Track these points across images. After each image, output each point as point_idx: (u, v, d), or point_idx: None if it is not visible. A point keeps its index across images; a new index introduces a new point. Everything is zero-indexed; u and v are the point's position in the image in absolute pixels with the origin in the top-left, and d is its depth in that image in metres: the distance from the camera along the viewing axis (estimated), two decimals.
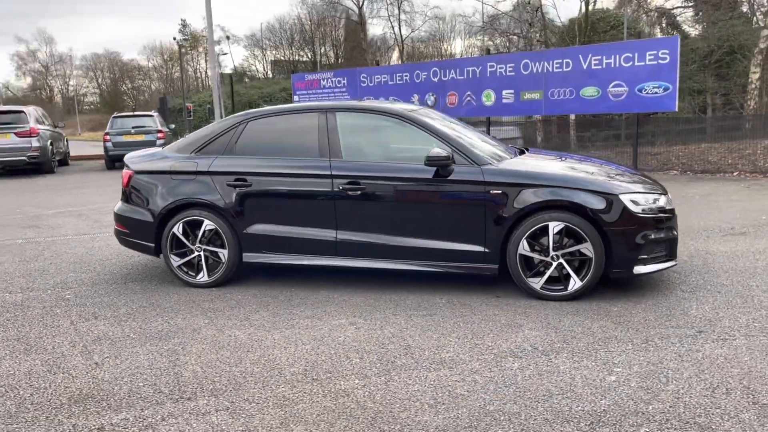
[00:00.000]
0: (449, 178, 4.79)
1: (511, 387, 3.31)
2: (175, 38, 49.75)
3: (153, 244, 5.41)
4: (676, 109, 11.85)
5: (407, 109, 5.21)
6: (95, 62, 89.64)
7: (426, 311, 4.57)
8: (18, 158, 16.04)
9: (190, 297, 5.08)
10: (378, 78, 15.87)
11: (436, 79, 14.72)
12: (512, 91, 13.54)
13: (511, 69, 13.48)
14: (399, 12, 42.84)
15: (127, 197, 5.55)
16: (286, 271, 5.57)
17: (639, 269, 4.65)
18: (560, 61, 12.86)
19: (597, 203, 4.58)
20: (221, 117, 19.62)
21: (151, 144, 16.94)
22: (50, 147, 17.03)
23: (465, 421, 2.98)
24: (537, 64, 13.13)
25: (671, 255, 4.86)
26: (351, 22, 57.99)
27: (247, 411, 3.13)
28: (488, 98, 13.91)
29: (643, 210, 4.63)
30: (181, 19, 79.95)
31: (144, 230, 5.41)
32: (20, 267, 6.28)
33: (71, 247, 7.12)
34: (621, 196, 4.60)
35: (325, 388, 3.37)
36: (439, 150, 4.73)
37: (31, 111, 17.06)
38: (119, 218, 5.60)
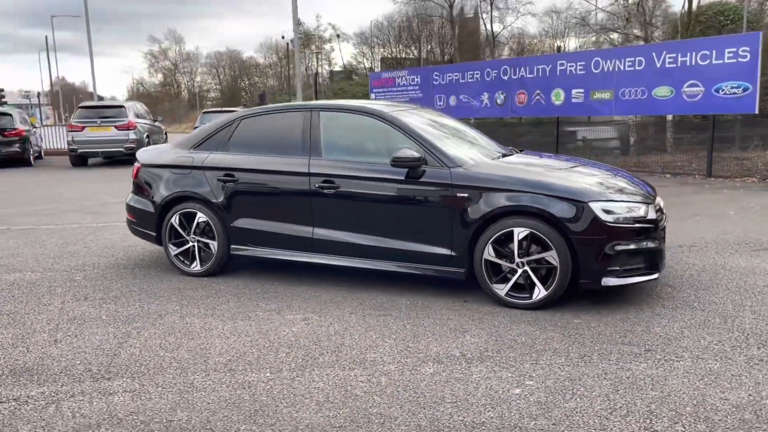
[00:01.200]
0: (420, 179, 4.77)
1: (409, 392, 3.30)
2: (283, 36, 51.47)
3: (155, 233, 5.76)
4: (756, 111, 10.98)
5: (389, 109, 5.23)
6: (218, 60, 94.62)
7: (384, 311, 4.59)
8: (116, 149, 17.35)
9: (179, 285, 5.38)
10: (450, 76, 15.78)
11: (506, 78, 14.45)
12: (582, 90, 13.07)
13: (581, 67, 13.01)
14: (491, 9, 41.89)
15: (135, 189, 5.95)
16: (282, 265, 5.74)
17: (608, 281, 4.43)
18: (632, 59, 12.26)
19: (563, 210, 4.41)
20: None
21: None
22: (146, 140, 18.26)
23: (339, 420, 3.01)
24: (608, 62, 12.59)
25: (652, 267, 4.59)
26: (462, 19, 57.72)
27: (149, 394, 3.32)
28: (557, 97, 13.50)
29: (616, 219, 4.40)
30: (297, 18, 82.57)
31: (147, 220, 5.78)
32: (57, 249, 6.87)
33: (111, 233, 7.69)
34: (591, 204, 4.39)
35: (234, 379, 3.50)
36: (408, 151, 4.72)
37: (131, 106, 18.39)
38: (129, 208, 6.00)
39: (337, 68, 73.31)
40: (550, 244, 4.42)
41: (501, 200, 4.54)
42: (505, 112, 14.81)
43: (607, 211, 4.41)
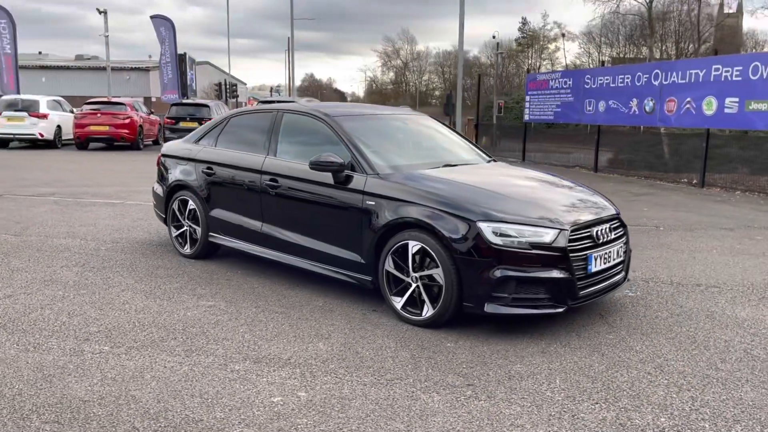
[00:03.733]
0: (346, 184, 4.78)
1: (185, 383, 3.45)
2: (494, 36, 51.18)
3: (164, 216, 6.46)
4: None
5: (337, 112, 5.29)
6: (444, 59, 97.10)
7: (286, 309, 4.71)
8: None
9: (163, 263, 5.98)
10: (601, 80, 14.73)
11: (656, 83, 13.14)
12: (736, 99, 11.46)
13: (738, 73, 11.41)
14: (700, 4, 37.02)
15: (157, 175, 6.70)
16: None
17: (492, 308, 4.09)
18: None
19: (450, 227, 4.16)
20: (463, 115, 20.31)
21: None
22: None
23: (93, 396, 3.28)
24: None
25: (558, 301, 4.12)
26: (721, 15, 52.48)
27: None
28: (709, 107, 11.98)
29: (509, 243, 4.04)
30: (522, 17, 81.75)
31: (160, 203, 6.50)
32: (129, 223, 7.94)
33: None
34: (479, 224, 4.09)
35: (75, 347, 3.93)
36: (329, 156, 4.76)
37: (303, 103, 20.00)
38: (153, 193, 6.78)
39: (559, 68, 71.03)
40: (437, 262, 4.20)
41: (398, 211, 4.41)
42: (652, 121, 13.47)
43: (499, 233, 4.06)
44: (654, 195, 11.25)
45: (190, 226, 6.13)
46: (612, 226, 4.55)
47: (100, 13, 25.27)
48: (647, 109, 13.38)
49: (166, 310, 4.67)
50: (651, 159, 14.27)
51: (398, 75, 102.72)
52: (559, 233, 4.12)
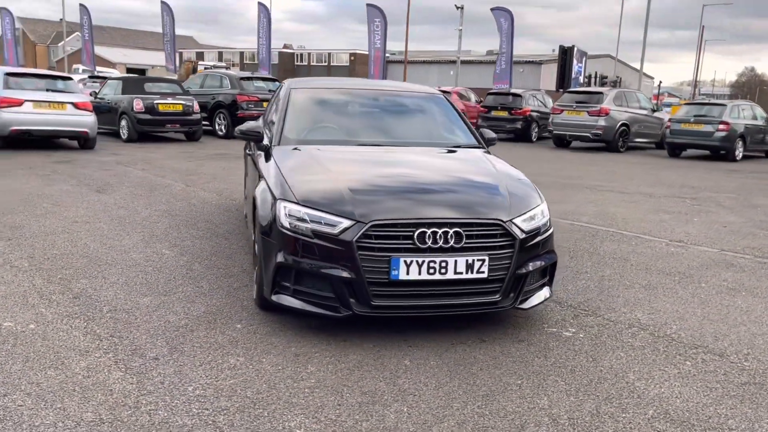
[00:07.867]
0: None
1: None
2: None
3: None
4: None
5: (301, 85, 5.22)
6: None
7: (205, 271, 4.81)
8: (583, 134, 17.87)
9: (225, 222, 6.62)
10: None
11: None
12: None
13: None
14: None
15: None
16: None
17: (277, 298, 3.69)
18: None
19: (263, 203, 3.89)
20: None
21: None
22: (619, 129, 17.68)
23: None
24: None
25: (343, 303, 3.48)
26: None
27: None
28: None
29: (296, 228, 3.56)
30: None
31: None
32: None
33: None
34: (278, 203, 3.69)
35: (13, 257, 4.88)
36: (251, 123, 4.81)
37: (612, 94, 18.30)
38: None
39: None
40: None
41: (258, 184, 4.22)
42: None
43: (293, 216, 3.59)
44: None
45: None
46: (479, 233, 3.50)
47: (457, 8, 27.11)
48: None
49: (128, 249, 5.31)
50: None
51: None
52: (353, 225, 3.42)
